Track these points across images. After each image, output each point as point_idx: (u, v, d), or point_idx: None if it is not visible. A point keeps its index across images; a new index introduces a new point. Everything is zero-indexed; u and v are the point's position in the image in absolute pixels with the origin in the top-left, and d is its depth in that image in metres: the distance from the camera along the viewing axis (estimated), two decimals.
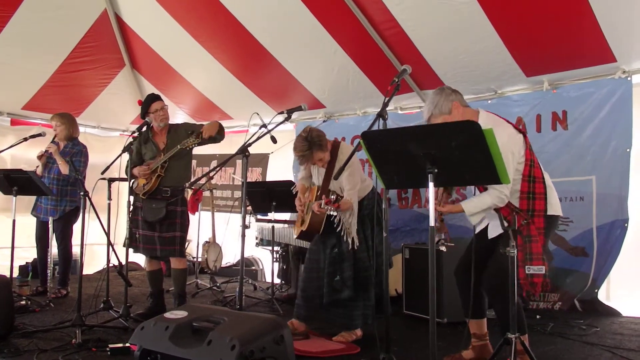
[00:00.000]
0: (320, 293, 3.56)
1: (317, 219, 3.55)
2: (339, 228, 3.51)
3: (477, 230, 2.99)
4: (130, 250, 4.12)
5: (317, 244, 3.70)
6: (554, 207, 2.83)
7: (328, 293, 3.53)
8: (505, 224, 2.67)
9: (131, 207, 4.11)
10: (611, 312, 4.25)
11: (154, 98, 4.18)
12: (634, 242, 4.19)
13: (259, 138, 3.42)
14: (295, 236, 3.93)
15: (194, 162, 5.72)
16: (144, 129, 4.16)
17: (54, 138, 4.91)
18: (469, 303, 2.86)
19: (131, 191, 4.17)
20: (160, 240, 4.05)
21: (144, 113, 4.15)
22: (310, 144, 3.49)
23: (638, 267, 4.25)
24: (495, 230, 2.87)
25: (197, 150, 4.44)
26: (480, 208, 2.73)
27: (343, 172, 2.93)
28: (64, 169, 4.77)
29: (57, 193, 4.88)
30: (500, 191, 2.67)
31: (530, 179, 2.76)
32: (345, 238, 3.50)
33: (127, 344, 3.01)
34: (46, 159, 4.93)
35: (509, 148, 2.66)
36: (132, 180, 4.19)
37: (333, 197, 3.28)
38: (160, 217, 4.02)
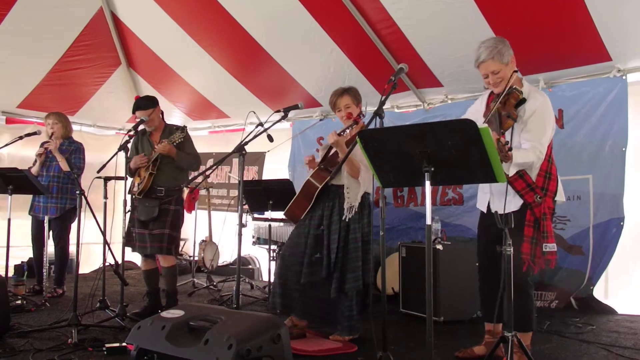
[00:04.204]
0: (298, 277, 3.46)
1: (312, 186, 3.50)
2: (332, 203, 3.48)
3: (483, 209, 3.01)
4: (127, 249, 4.12)
5: (299, 227, 3.62)
6: (561, 193, 2.85)
7: (307, 273, 3.44)
8: (521, 200, 2.73)
9: (128, 206, 4.11)
10: (607, 310, 4.27)
11: (136, 107, 4.16)
12: (629, 240, 4.20)
13: (255, 136, 3.41)
14: (284, 212, 3.78)
15: None
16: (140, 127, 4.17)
17: (50, 136, 4.89)
18: (490, 307, 2.85)
19: (130, 190, 4.18)
20: (150, 237, 4.05)
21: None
22: (345, 89, 3.65)
23: (633, 265, 4.27)
24: (500, 205, 2.81)
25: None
26: (524, 160, 2.65)
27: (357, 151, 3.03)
28: (64, 165, 4.77)
29: (58, 191, 4.87)
30: (540, 150, 2.69)
31: (550, 159, 2.81)
32: (338, 210, 3.44)
33: (124, 344, 3.00)
34: (44, 156, 4.91)
35: (551, 109, 2.81)
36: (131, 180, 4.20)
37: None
38: (153, 217, 4.02)
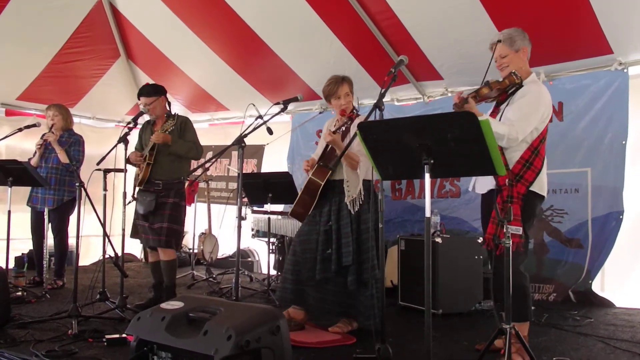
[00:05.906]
0: (312, 273, 3.45)
1: (314, 184, 3.49)
2: (339, 198, 3.46)
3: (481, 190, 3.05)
4: (127, 241, 4.14)
5: (310, 223, 3.60)
6: (541, 186, 2.87)
7: (321, 269, 3.43)
8: (495, 183, 2.81)
9: (128, 198, 4.13)
10: (605, 303, 4.28)
11: (140, 92, 4.18)
12: (628, 233, 4.21)
13: (255, 129, 3.41)
14: (289, 212, 3.76)
15: None
16: (140, 118, 4.17)
17: (50, 128, 4.88)
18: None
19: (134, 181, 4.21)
20: (150, 230, 4.07)
21: None
22: (343, 77, 3.63)
23: (632, 258, 4.27)
24: (483, 185, 2.96)
25: None
26: (496, 129, 2.60)
27: (353, 144, 3.07)
28: (63, 157, 4.76)
29: (56, 182, 4.87)
30: (516, 130, 2.74)
31: (535, 151, 2.84)
32: (347, 204, 3.41)
33: (124, 335, 3.01)
34: (43, 148, 4.90)
35: (544, 101, 2.85)
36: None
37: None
38: (150, 210, 4.03)
